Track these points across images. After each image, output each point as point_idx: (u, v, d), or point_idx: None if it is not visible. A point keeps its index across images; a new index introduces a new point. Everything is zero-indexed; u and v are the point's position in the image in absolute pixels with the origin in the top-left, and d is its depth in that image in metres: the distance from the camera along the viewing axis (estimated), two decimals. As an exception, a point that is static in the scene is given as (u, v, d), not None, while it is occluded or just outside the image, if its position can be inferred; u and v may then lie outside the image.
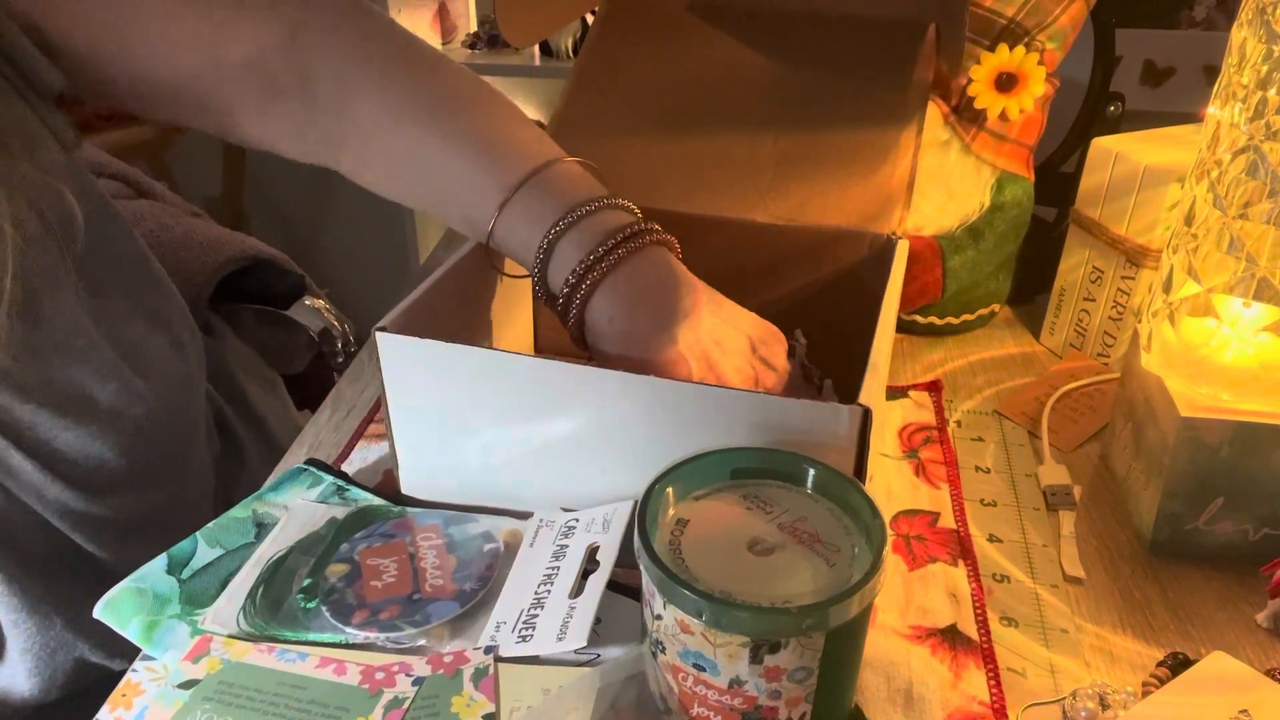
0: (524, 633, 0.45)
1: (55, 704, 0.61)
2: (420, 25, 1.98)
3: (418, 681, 0.43)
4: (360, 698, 0.42)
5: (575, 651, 0.44)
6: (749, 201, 0.62)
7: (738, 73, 0.61)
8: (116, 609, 0.46)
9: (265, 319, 0.84)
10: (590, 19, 0.83)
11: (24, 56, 0.51)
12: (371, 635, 0.45)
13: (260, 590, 0.47)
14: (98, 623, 0.46)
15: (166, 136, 1.85)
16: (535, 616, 0.45)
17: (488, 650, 0.44)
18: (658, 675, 0.40)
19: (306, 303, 0.86)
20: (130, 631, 0.46)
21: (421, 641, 0.45)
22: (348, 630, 0.45)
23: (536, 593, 0.46)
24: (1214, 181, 0.51)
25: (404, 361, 0.49)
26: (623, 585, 0.48)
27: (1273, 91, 0.47)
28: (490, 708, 0.42)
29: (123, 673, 0.45)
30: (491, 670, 0.43)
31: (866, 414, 0.42)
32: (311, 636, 0.45)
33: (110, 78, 0.54)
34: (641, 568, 0.38)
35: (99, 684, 0.44)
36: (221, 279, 0.77)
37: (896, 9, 0.61)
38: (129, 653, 0.50)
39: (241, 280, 0.80)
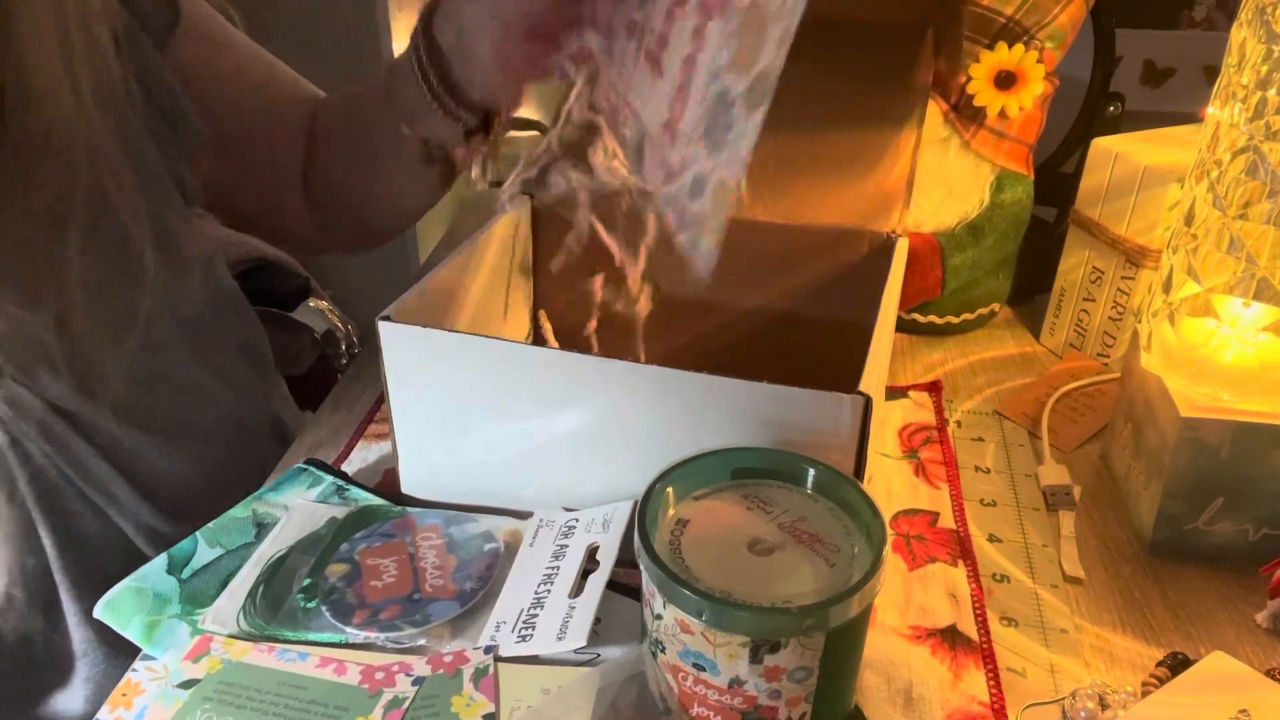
0: (524, 632, 0.45)
1: None
2: (420, 25, 1.97)
3: (418, 681, 0.43)
4: (360, 697, 0.42)
5: (575, 651, 0.44)
6: (749, 200, 0.62)
7: (738, 73, 0.61)
8: (117, 609, 0.46)
9: (269, 321, 0.84)
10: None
11: (175, 106, 0.56)
12: (371, 635, 0.45)
13: (260, 590, 0.47)
14: None
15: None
16: (535, 616, 0.45)
17: (488, 650, 0.44)
18: (658, 675, 0.40)
19: (310, 304, 0.86)
20: (131, 631, 0.46)
21: (421, 641, 0.45)
22: (348, 630, 0.45)
23: (536, 592, 0.46)
24: (1214, 181, 0.51)
25: (407, 352, 0.49)
26: (623, 585, 0.48)
27: (1273, 91, 0.47)
28: (490, 708, 0.42)
29: None
30: (491, 670, 0.43)
31: (868, 402, 0.43)
32: (311, 636, 0.45)
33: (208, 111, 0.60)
34: (641, 567, 0.38)
35: None
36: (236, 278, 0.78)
37: (895, 13, 0.61)
38: None
39: (245, 282, 0.80)
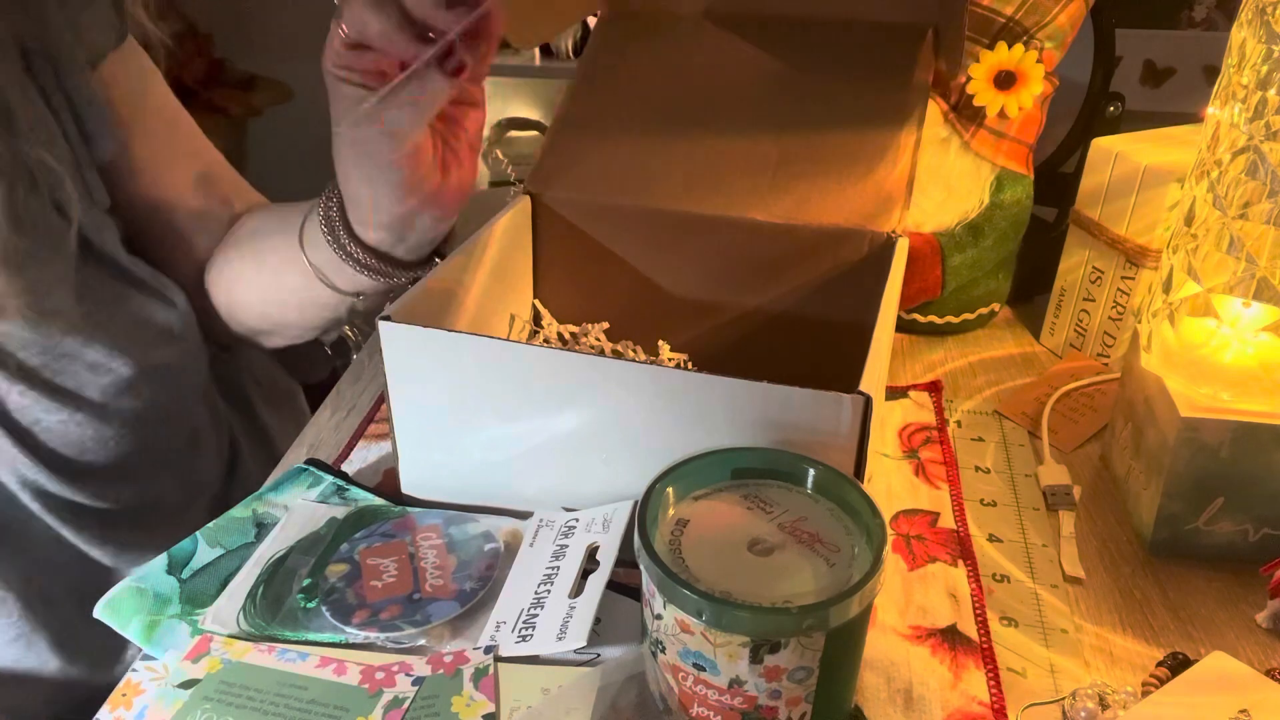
0: (524, 632, 0.45)
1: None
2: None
3: (418, 681, 0.43)
4: (360, 697, 0.42)
5: (575, 651, 0.44)
6: (749, 201, 0.62)
7: (738, 73, 0.61)
8: (116, 609, 0.46)
9: None
10: (592, 21, 0.83)
11: (89, 113, 0.59)
12: (372, 635, 0.45)
13: (260, 590, 0.47)
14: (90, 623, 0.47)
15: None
16: (535, 616, 0.45)
17: (488, 650, 0.44)
18: (658, 675, 0.40)
19: None
20: (131, 631, 0.46)
21: (421, 641, 0.45)
22: (348, 630, 0.45)
23: (536, 592, 0.46)
24: (1214, 181, 0.51)
25: (407, 352, 0.49)
26: (623, 585, 0.48)
27: (1273, 91, 0.47)
28: (490, 708, 0.42)
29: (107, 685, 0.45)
30: (491, 670, 0.43)
31: (868, 402, 0.43)
32: (311, 636, 0.45)
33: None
34: (641, 568, 0.38)
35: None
36: None
37: (896, 12, 0.61)
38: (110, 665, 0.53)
39: None
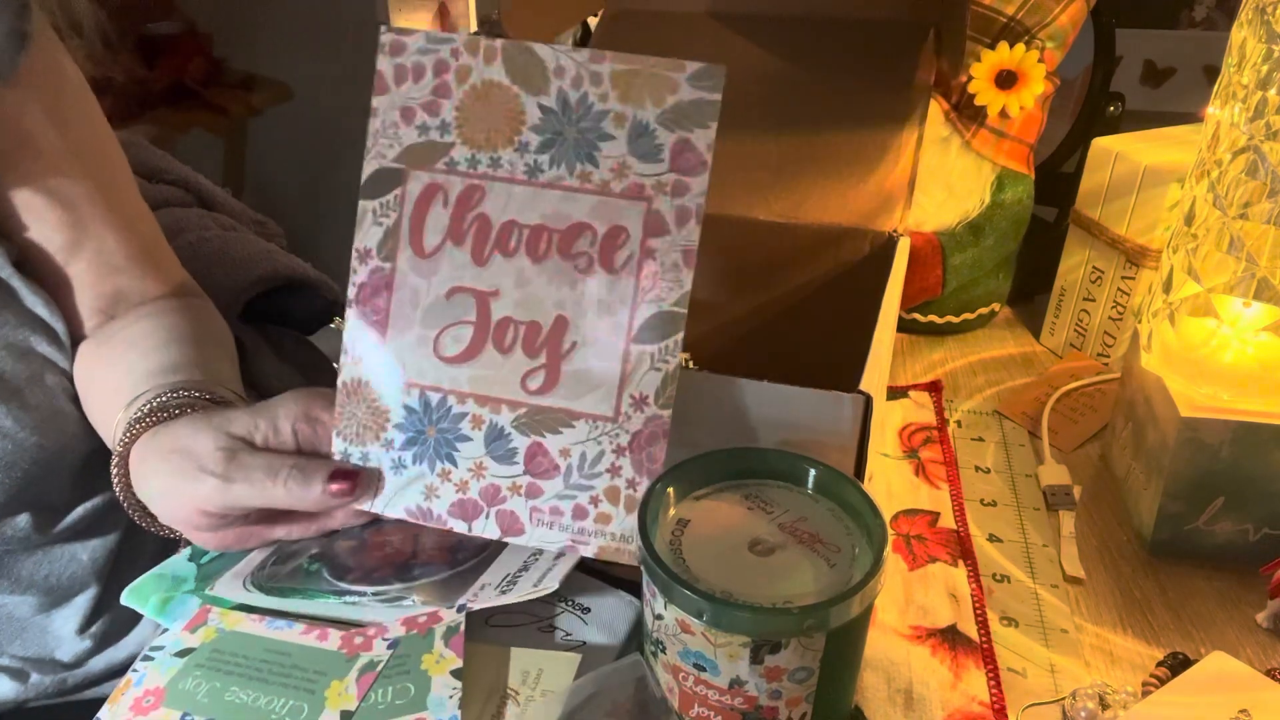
0: (505, 589, 0.45)
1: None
2: (420, 25, 1.98)
3: (392, 645, 0.44)
4: (338, 661, 0.43)
5: (561, 639, 0.44)
6: (751, 200, 0.62)
7: (740, 73, 0.61)
8: (139, 593, 0.48)
9: (305, 341, 0.83)
10: (593, 21, 0.83)
11: None
12: (362, 588, 0.46)
13: (271, 560, 0.49)
14: None
15: (166, 136, 1.86)
16: (521, 574, 0.45)
17: (460, 609, 0.45)
18: (658, 675, 0.40)
19: (333, 326, 0.85)
20: (148, 608, 0.47)
21: (406, 601, 0.46)
22: (340, 585, 0.46)
23: (525, 561, 0.47)
24: (1214, 181, 0.51)
25: None
26: (621, 580, 0.48)
27: (1273, 91, 0.47)
28: (458, 663, 0.42)
29: None
30: (461, 627, 0.44)
31: (868, 402, 0.43)
32: (310, 593, 0.46)
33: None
34: (642, 567, 0.38)
35: None
36: (269, 294, 0.76)
37: (897, 12, 0.61)
38: None
39: (287, 297, 0.79)
